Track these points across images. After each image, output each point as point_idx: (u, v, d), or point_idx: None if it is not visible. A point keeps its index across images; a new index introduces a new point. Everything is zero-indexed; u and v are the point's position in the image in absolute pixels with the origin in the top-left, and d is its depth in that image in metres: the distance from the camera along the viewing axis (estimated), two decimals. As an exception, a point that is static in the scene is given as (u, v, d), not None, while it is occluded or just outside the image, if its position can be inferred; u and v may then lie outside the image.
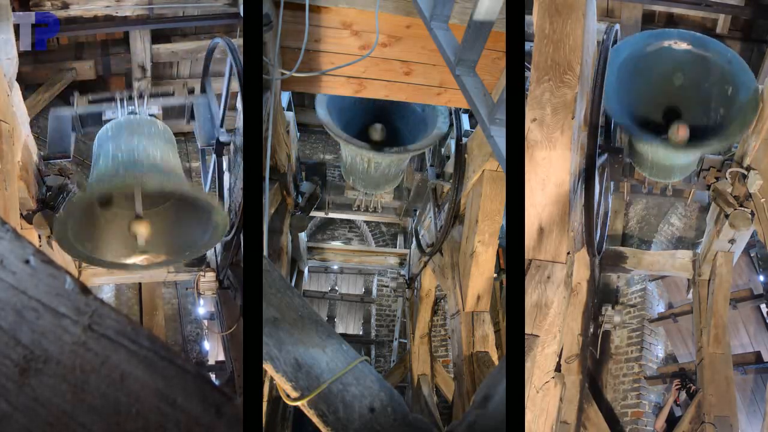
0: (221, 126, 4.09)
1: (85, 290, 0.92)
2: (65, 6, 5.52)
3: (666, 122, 3.24)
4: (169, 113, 4.02)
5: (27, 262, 0.94)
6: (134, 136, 3.55)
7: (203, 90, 4.34)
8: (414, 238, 6.75)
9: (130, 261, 3.41)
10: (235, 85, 3.87)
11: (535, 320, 2.43)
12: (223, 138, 3.94)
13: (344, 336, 5.53)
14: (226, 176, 4.45)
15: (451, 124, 5.12)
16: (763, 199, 4.10)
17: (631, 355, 6.67)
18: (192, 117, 4.16)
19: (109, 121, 3.82)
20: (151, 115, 3.89)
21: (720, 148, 4.39)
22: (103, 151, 3.52)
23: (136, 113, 3.84)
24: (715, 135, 3.23)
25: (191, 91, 4.25)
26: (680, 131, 3.05)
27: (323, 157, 8.94)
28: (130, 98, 3.91)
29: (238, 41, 4.08)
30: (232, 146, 4.15)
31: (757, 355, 6.00)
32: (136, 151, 3.45)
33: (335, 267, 9.21)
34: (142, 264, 3.41)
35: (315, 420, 1.91)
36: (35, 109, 5.62)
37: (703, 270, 5.15)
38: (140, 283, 6.90)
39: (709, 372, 4.79)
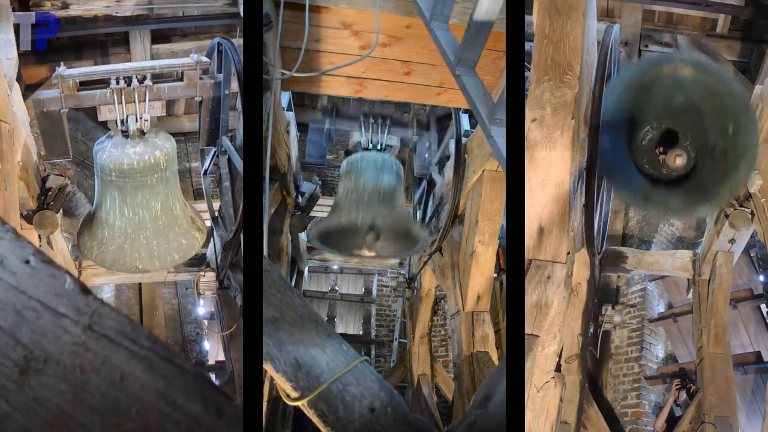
0: (225, 125, 4.10)
1: (85, 290, 0.92)
2: (65, 6, 5.51)
3: (663, 147, 3.20)
4: (171, 106, 3.97)
5: (27, 262, 0.94)
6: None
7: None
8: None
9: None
10: (235, 85, 3.86)
11: (535, 320, 2.43)
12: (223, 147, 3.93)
13: (344, 336, 5.53)
14: (226, 176, 4.45)
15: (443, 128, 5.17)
16: (763, 199, 4.10)
17: (631, 355, 6.66)
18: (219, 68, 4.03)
19: (105, 122, 3.76)
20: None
21: (707, 213, 4.37)
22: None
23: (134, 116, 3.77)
24: (711, 179, 3.13)
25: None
26: (677, 160, 3.03)
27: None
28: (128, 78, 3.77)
29: (238, 41, 4.07)
30: (232, 146, 4.15)
31: (757, 355, 6.00)
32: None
33: (335, 267, 9.21)
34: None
35: (315, 420, 1.91)
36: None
37: (703, 270, 5.15)
38: (140, 283, 6.89)
39: (709, 372, 4.79)
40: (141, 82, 3.65)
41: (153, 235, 3.96)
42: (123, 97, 3.65)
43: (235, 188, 4.43)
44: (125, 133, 3.73)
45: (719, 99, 2.97)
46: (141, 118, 3.70)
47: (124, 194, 3.83)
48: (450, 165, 5.09)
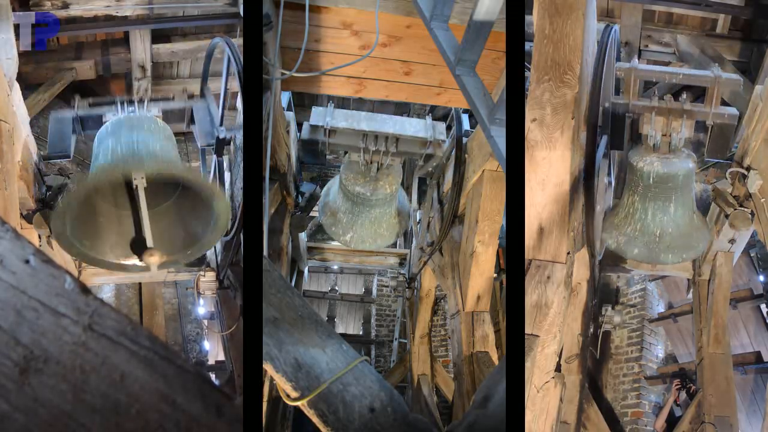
0: (221, 125, 4.09)
1: (85, 290, 0.92)
2: (65, 6, 5.51)
3: None
4: (168, 117, 4.02)
5: (27, 262, 0.94)
6: (133, 131, 3.54)
7: (203, 91, 4.33)
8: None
9: (129, 262, 3.39)
10: (235, 85, 3.87)
11: (535, 320, 2.43)
12: (222, 135, 3.93)
13: (344, 336, 5.53)
14: (227, 176, 4.45)
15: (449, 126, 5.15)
16: (763, 199, 4.09)
17: (631, 355, 6.67)
18: (192, 121, 4.16)
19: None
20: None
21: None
22: (103, 147, 3.52)
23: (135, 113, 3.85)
24: None
25: (191, 96, 4.25)
26: None
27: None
28: (131, 102, 3.91)
29: (238, 41, 4.07)
30: (232, 145, 4.15)
31: (757, 355, 6.00)
32: (135, 144, 3.44)
33: (335, 267, 9.21)
34: (141, 265, 3.39)
35: (315, 420, 1.91)
36: (35, 109, 5.61)
37: (703, 270, 5.14)
38: (140, 283, 6.89)
39: (709, 372, 4.79)
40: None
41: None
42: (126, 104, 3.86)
43: (236, 188, 4.43)
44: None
45: None
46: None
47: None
48: (450, 165, 5.09)
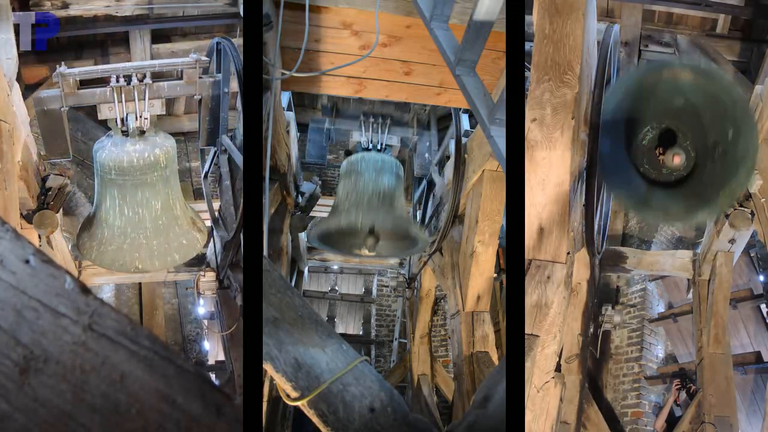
0: (220, 125, 4.09)
1: (85, 290, 0.92)
2: (65, 6, 5.51)
3: (662, 148, 3.19)
4: (171, 105, 3.97)
5: (27, 262, 0.94)
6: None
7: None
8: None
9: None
10: (235, 85, 3.86)
11: (535, 320, 2.43)
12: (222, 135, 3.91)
13: (344, 336, 5.53)
14: (226, 175, 4.45)
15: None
16: (763, 199, 4.10)
17: (631, 355, 6.66)
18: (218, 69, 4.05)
19: (105, 121, 3.77)
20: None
21: (706, 218, 4.33)
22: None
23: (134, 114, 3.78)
24: (710, 183, 3.11)
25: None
26: (675, 159, 3.03)
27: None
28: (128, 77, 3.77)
29: (238, 41, 4.07)
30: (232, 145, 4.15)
31: (757, 355, 6.00)
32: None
33: (335, 267, 9.21)
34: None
35: (315, 420, 1.91)
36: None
37: (703, 270, 5.15)
38: (140, 283, 6.89)
39: (709, 372, 4.79)
40: (141, 80, 3.66)
41: (153, 235, 3.94)
42: (123, 95, 3.67)
43: (236, 188, 4.43)
44: (125, 132, 3.73)
45: (719, 103, 2.96)
46: (141, 116, 3.70)
47: (123, 193, 3.82)
48: (450, 165, 5.09)
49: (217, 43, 4.03)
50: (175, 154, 3.98)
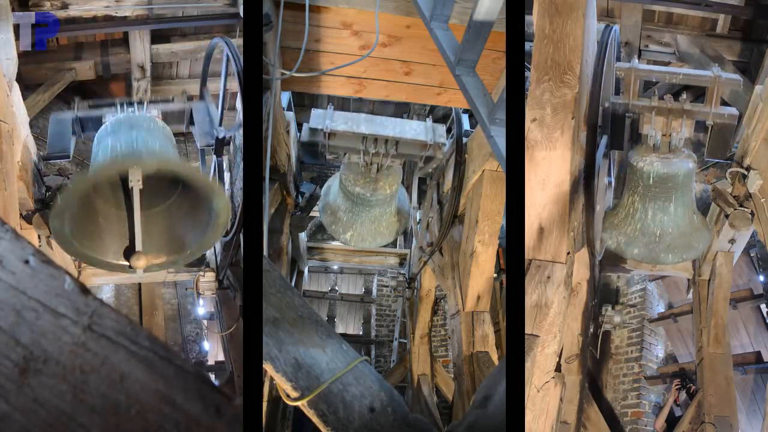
0: (220, 125, 4.09)
1: (84, 290, 0.92)
2: (65, 6, 5.51)
3: None
4: (168, 119, 4.02)
5: (27, 262, 0.94)
6: (133, 130, 3.54)
7: (202, 91, 4.33)
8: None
9: (123, 263, 3.36)
10: (235, 85, 3.87)
11: (535, 320, 2.43)
12: (222, 135, 3.92)
13: (344, 336, 5.52)
14: (226, 176, 4.45)
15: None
16: (763, 199, 4.09)
17: (631, 355, 6.66)
18: (191, 122, 4.16)
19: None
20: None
21: None
22: (102, 146, 3.53)
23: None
24: None
25: (190, 98, 4.24)
26: None
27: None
28: (131, 103, 3.91)
29: (238, 41, 4.07)
30: (231, 146, 4.15)
31: (757, 355, 6.00)
32: (134, 142, 3.44)
33: (335, 267, 9.21)
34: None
35: (315, 420, 1.91)
36: (35, 109, 5.62)
37: (703, 270, 5.14)
38: (140, 283, 6.89)
39: (709, 372, 4.78)
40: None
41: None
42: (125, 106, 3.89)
43: (235, 188, 4.43)
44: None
45: None
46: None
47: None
48: (450, 165, 5.09)
49: (217, 44, 4.04)
50: None
